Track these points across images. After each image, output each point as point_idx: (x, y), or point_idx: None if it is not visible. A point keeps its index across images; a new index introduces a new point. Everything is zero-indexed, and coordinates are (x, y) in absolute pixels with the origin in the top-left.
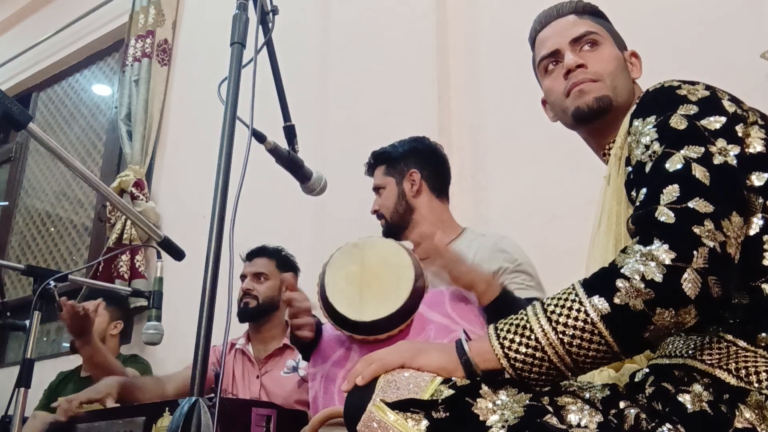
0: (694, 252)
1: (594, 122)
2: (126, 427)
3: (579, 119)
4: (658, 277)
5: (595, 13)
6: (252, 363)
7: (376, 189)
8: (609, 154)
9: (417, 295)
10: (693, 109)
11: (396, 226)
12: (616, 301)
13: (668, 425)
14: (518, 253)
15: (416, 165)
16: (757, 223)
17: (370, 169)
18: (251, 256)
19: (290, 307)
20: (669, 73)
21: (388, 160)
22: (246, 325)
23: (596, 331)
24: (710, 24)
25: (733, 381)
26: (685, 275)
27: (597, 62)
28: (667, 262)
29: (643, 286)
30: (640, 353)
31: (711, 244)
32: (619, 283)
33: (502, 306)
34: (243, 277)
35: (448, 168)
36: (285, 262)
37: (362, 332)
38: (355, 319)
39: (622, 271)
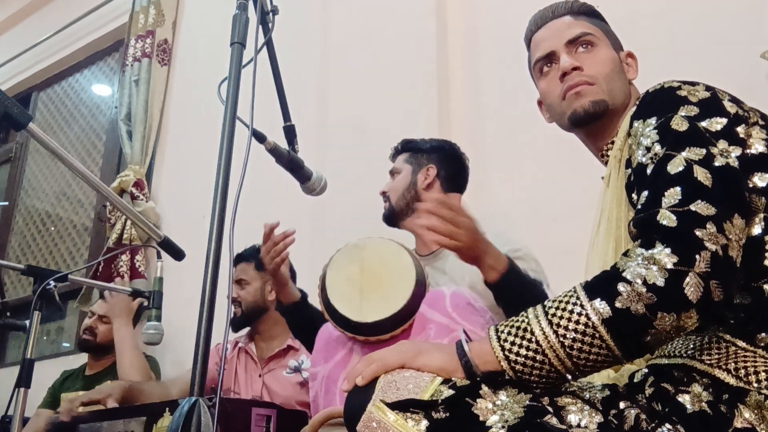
0: (696, 256)
1: (590, 125)
2: (127, 427)
3: (575, 122)
4: (660, 282)
5: (591, 14)
6: (255, 362)
7: (392, 173)
8: (607, 156)
9: (418, 295)
10: (694, 111)
11: (398, 212)
12: (618, 304)
13: (668, 425)
14: (519, 243)
15: (436, 162)
16: (759, 223)
17: (395, 154)
18: (235, 262)
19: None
20: (669, 73)
21: (412, 149)
22: None
23: (597, 335)
24: (710, 24)
25: (732, 381)
26: (687, 279)
27: (593, 64)
28: (669, 266)
29: (645, 290)
30: (641, 357)
31: (713, 247)
32: (621, 286)
33: (511, 280)
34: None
35: (466, 175)
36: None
37: (364, 333)
38: (357, 320)
39: (623, 274)
